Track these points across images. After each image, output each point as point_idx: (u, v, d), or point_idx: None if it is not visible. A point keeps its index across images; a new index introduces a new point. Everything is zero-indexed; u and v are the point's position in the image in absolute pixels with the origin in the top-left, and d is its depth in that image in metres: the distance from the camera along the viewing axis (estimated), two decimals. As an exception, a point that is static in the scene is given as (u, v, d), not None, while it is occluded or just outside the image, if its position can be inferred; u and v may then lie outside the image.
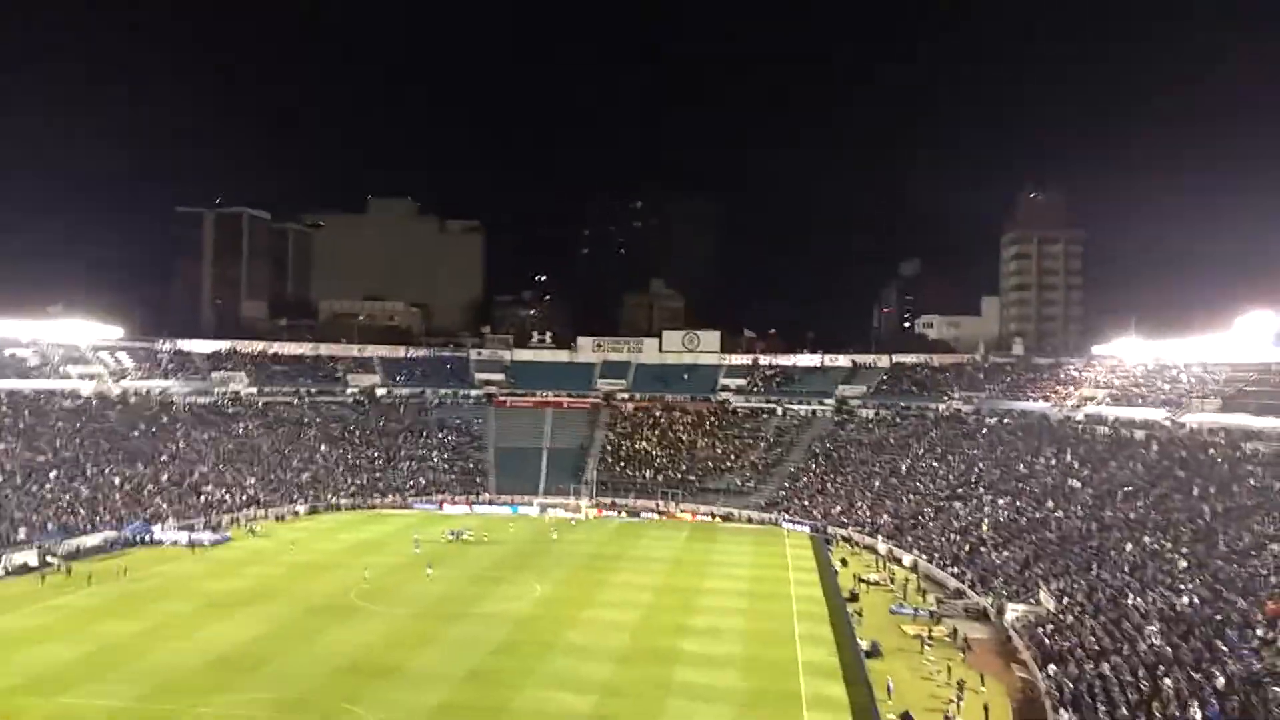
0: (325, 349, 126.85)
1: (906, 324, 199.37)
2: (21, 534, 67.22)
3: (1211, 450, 65.51)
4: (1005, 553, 63.54)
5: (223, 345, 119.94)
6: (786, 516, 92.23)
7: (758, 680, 44.61)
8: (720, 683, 44.04)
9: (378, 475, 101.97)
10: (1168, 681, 36.50)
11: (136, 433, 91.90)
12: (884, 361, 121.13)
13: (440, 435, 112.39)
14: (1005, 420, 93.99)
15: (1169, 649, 39.54)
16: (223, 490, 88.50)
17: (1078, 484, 70.28)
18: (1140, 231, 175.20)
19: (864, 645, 49.41)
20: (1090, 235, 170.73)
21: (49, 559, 65.36)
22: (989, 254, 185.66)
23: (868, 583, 65.49)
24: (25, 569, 63.50)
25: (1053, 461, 77.87)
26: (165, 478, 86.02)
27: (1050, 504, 68.64)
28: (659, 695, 42.14)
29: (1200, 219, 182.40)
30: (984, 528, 69.16)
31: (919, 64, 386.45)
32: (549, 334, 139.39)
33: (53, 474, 77.63)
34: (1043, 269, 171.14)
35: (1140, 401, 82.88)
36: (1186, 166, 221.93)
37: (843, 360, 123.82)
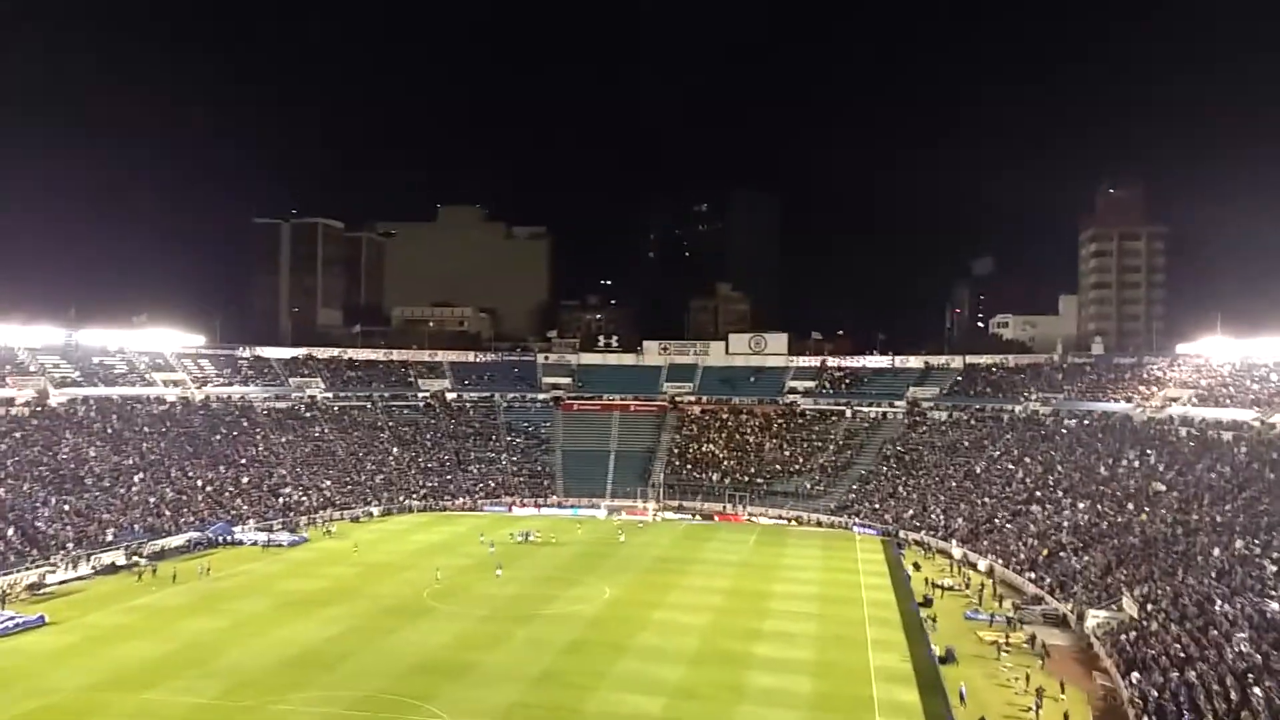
0: (397, 354, 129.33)
1: (980, 324, 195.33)
2: (110, 535, 69.83)
3: (1305, 452, 62.70)
4: (1086, 557, 61.73)
5: (299, 352, 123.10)
6: (857, 520, 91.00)
7: (829, 685, 44.06)
8: (792, 687, 43.60)
9: (448, 477, 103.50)
10: (1257, 691, 35.04)
11: (218, 437, 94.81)
12: (957, 363, 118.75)
13: (509, 438, 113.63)
14: (1085, 422, 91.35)
15: (1258, 657, 37.93)
16: (300, 492, 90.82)
17: (1162, 487, 67.93)
18: (1225, 226, 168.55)
19: (938, 651, 48.45)
20: (1172, 230, 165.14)
21: (135, 559, 67.74)
22: (1066, 251, 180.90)
23: (941, 588, 64.20)
24: (113, 568, 65.96)
25: (1135, 464, 75.39)
26: (245, 480, 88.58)
27: (1132, 507, 66.47)
28: (730, 698, 41.88)
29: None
30: (1063, 535, 67.28)
31: (991, 57, 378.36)
32: (615, 338, 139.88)
33: (138, 477, 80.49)
34: (1123, 266, 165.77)
35: (1228, 402, 79.79)
36: (1272, 157, 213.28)
37: (914, 362, 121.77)
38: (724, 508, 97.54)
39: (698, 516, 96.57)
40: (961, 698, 41.64)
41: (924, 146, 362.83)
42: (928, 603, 59.65)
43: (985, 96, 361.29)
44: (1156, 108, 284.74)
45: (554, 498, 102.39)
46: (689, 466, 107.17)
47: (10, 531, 64.58)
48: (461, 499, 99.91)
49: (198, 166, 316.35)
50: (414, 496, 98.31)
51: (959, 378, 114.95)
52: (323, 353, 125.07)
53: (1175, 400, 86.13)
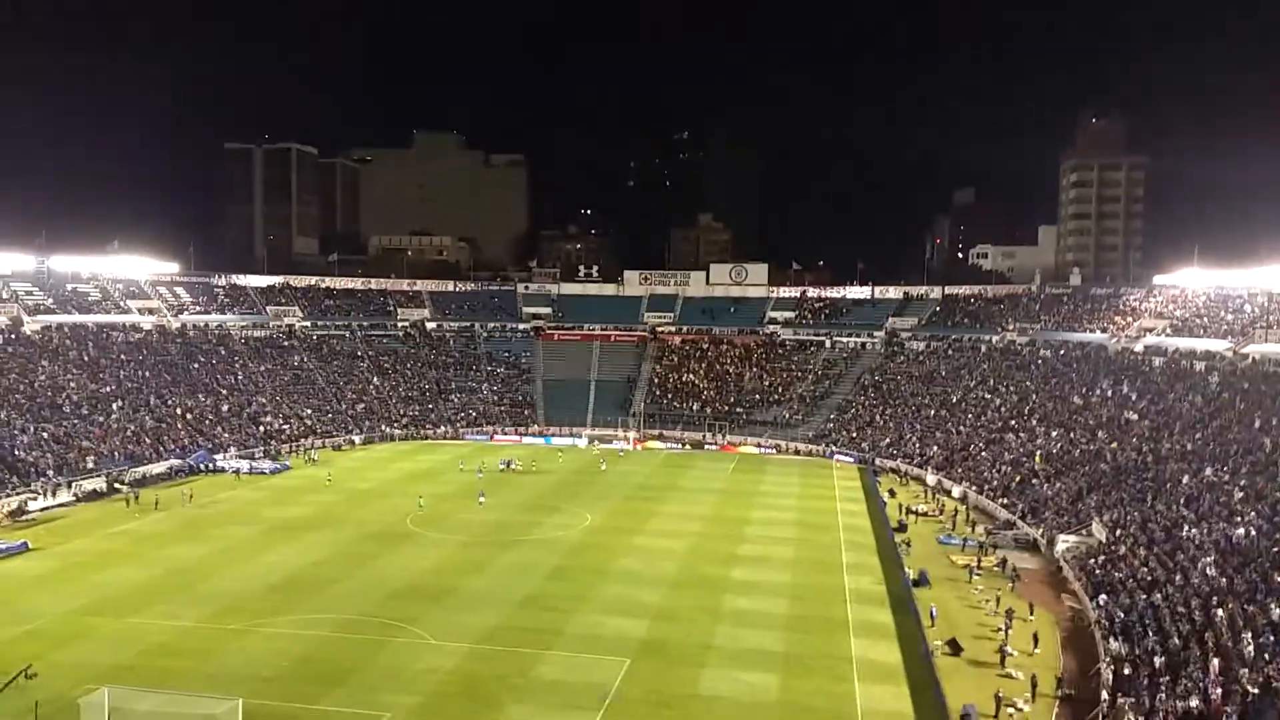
0: (375, 283, 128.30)
1: (960, 255, 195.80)
2: (90, 462, 69.74)
3: (1275, 381, 63.79)
4: (1057, 484, 63.00)
5: (276, 280, 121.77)
6: (835, 448, 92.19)
7: (805, 607, 45.12)
8: (768, 609, 44.64)
9: (429, 406, 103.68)
10: (1220, 613, 36.15)
11: (196, 365, 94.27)
12: (936, 293, 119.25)
13: (489, 368, 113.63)
14: (1061, 352, 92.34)
15: (1223, 580, 39.08)
16: (280, 420, 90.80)
17: (1134, 416, 69.13)
18: (1204, 158, 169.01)
19: (911, 574, 49.60)
20: (1152, 162, 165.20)
21: (117, 485, 67.82)
22: (1046, 182, 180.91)
23: (916, 513, 65.46)
24: (95, 495, 66.04)
25: (1109, 393, 76.56)
26: (225, 408, 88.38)
27: (1105, 435, 67.69)
28: (709, 620, 42.85)
29: (1267, 145, 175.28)
30: (1036, 458, 68.52)
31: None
32: (595, 268, 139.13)
33: (116, 405, 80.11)
34: (1103, 196, 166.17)
35: (1202, 332, 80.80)
36: (1252, 90, 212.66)
37: (893, 292, 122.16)
38: (703, 437, 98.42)
39: (687, 446, 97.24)
40: (932, 617, 42.80)
41: (905, 77, 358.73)
42: (902, 528, 60.82)
43: (967, 26, 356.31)
44: (1138, 39, 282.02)
45: (535, 427, 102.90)
46: (669, 396, 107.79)
47: (-11, 459, 64.35)
48: (443, 428, 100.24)
49: (166, 90, 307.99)
50: (395, 425, 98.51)
51: (937, 308, 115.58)
52: (300, 281, 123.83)
53: (1150, 331, 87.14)
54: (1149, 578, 42.40)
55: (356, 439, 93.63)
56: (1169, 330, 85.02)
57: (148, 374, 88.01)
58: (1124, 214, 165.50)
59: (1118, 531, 49.79)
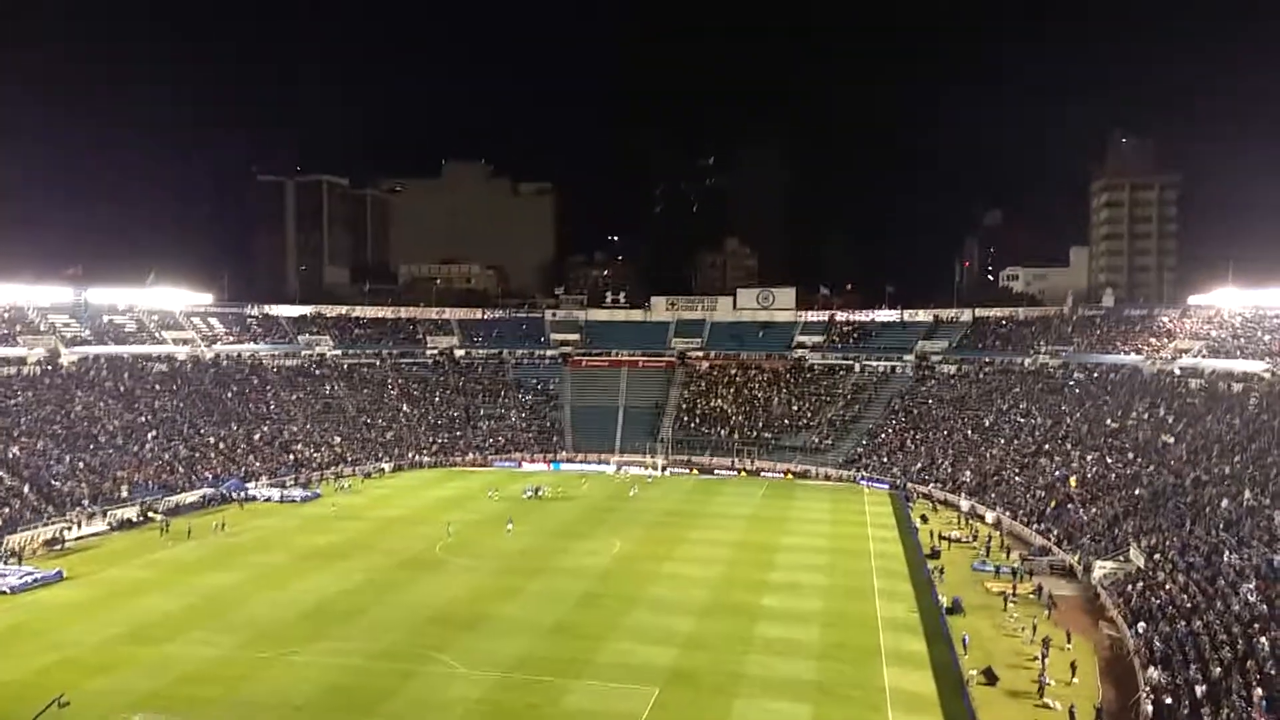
0: (405, 312, 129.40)
1: (990, 277, 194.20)
2: (125, 491, 70.59)
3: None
4: (1093, 509, 61.98)
5: (308, 310, 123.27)
6: (865, 474, 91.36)
7: (837, 635, 44.57)
8: (800, 637, 44.13)
9: (458, 434, 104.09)
10: (1263, 640, 35.30)
11: (229, 394, 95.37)
12: (966, 316, 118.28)
13: (518, 395, 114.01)
14: (1095, 374, 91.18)
15: (1264, 607, 38.18)
16: (311, 448, 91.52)
17: (1171, 439, 67.96)
18: (1238, 176, 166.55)
19: (945, 602, 48.88)
20: (1185, 180, 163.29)
21: (150, 514, 68.52)
22: (1077, 203, 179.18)
23: (949, 540, 64.64)
24: (129, 524, 66.75)
25: (1145, 416, 75.37)
26: (257, 437, 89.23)
27: (1141, 460, 66.58)
28: (740, 649, 42.42)
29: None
30: (1070, 483, 67.50)
31: (1000, 3, 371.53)
32: (622, 294, 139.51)
33: (151, 434, 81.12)
34: (1135, 216, 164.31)
35: (1239, 353, 79.49)
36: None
37: (923, 315, 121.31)
38: (733, 463, 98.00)
39: (697, 471, 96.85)
40: (965, 646, 42.11)
41: (933, 97, 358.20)
42: (935, 554, 60.07)
43: (994, 45, 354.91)
44: (1169, 56, 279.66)
45: (563, 453, 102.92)
46: (697, 421, 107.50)
47: (26, 489, 65.34)
48: (472, 454, 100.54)
49: (200, 123, 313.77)
50: (424, 452, 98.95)
51: (968, 331, 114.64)
52: (331, 310, 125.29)
53: (1186, 352, 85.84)
54: (1189, 604, 41.52)
55: (386, 466, 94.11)
56: (1205, 351, 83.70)
57: (181, 404, 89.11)
58: (1157, 233, 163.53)
59: (1156, 557, 48.82)
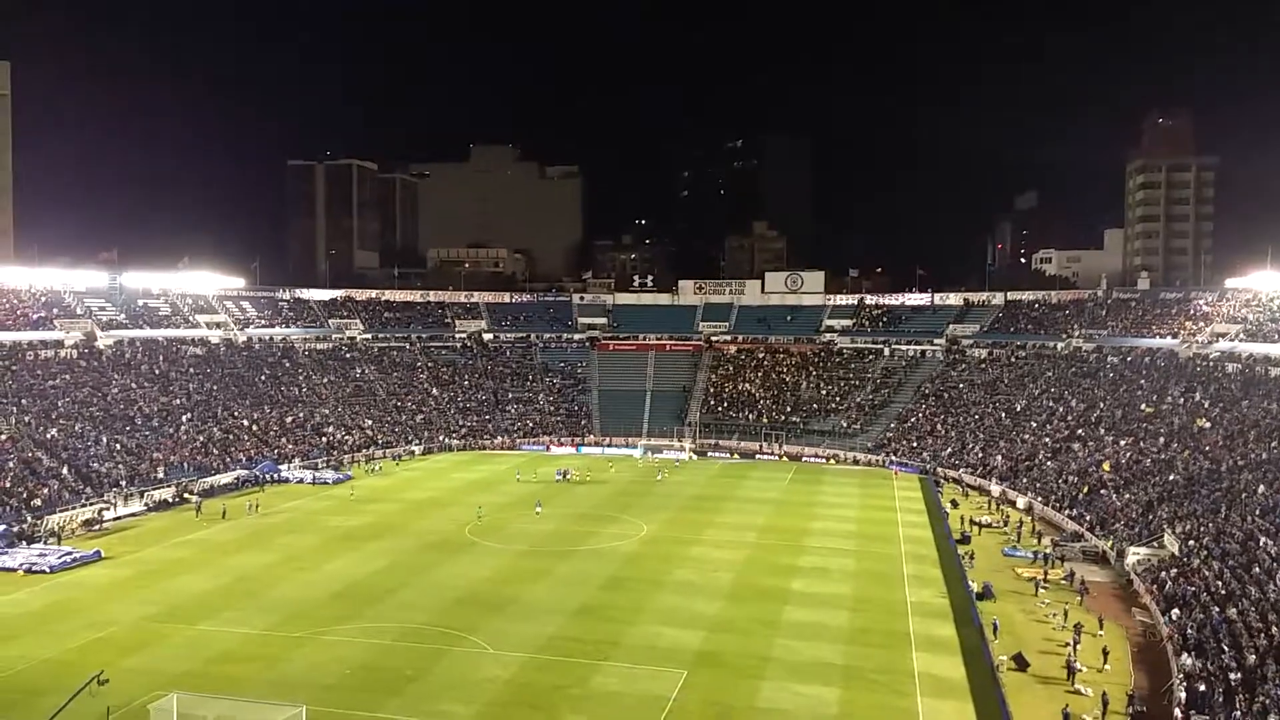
0: (434, 295, 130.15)
1: (1022, 260, 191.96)
2: (161, 472, 71.69)
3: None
4: (1127, 495, 61.27)
5: (338, 293, 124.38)
6: (894, 458, 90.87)
7: (866, 620, 44.42)
8: (828, 621, 44.02)
9: (487, 417, 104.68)
10: (1302, 628, 34.79)
11: (262, 377, 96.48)
12: (998, 299, 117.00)
13: (545, 379, 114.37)
14: (1129, 358, 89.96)
15: (1304, 594, 37.62)
16: (343, 431, 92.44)
17: (1207, 424, 66.97)
18: (1276, 156, 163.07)
19: (975, 587, 48.55)
20: (1222, 162, 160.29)
21: (186, 495, 69.58)
22: (1112, 184, 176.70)
23: (980, 525, 64.14)
24: (165, 505, 67.84)
25: (1180, 401, 74.32)
26: (289, 420, 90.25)
27: (1176, 445, 65.68)
28: (767, 633, 42.41)
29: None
30: (1104, 468, 66.74)
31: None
32: (650, 278, 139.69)
33: (185, 417, 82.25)
34: (1171, 198, 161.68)
35: (1277, 337, 78.05)
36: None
37: (954, 299, 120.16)
38: (759, 447, 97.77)
39: (735, 455, 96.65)
40: (995, 630, 41.85)
41: (966, 79, 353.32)
42: (965, 540, 59.67)
43: (1030, 27, 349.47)
44: (1206, 35, 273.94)
45: (591, 437, 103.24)
46: (725, 405, 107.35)
47: (64, 470, 66.52)
48: (500, 438, 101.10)
49: (233, 111, 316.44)
50: (454, 435, 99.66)
51: (1000, 314, 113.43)
52: (361, 294, 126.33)
53: (1223, 336, 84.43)
54: (1223, 591, 41.00)
55: (416, 449, 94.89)
56: (1243, 335, 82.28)
57: (215, 386, 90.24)
58: (1193, 215, 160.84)
59: (1190, 543, 48.22)
